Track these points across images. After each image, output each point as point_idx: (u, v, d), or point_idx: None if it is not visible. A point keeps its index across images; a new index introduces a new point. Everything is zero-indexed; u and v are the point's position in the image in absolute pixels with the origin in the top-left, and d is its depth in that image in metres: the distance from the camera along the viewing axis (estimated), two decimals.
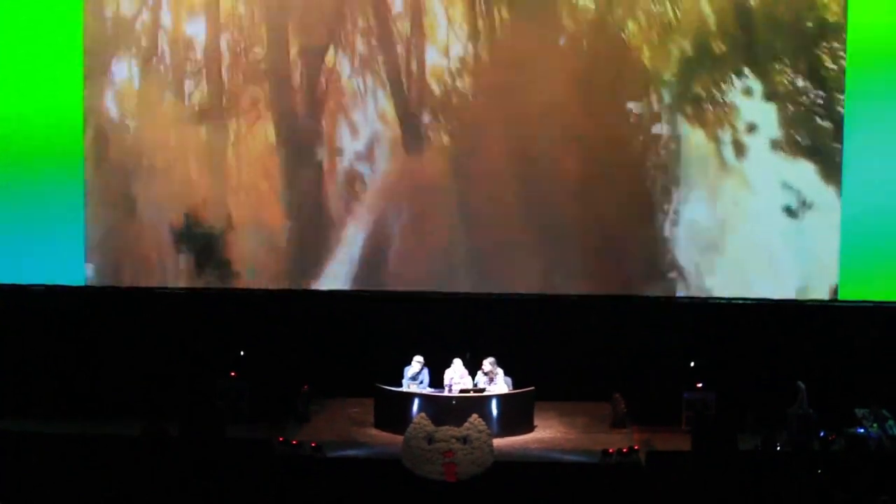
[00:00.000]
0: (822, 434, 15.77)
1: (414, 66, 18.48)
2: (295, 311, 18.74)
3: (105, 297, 18.89)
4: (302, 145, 18.68)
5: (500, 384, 17.26)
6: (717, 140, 18.23)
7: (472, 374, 17.38)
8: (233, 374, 17.93)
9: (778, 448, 15.41)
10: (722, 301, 18.31)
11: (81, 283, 18.85)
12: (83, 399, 18.08)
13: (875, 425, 16.10)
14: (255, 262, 18.75)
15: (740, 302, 18.28)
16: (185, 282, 18.81)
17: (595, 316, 18.45)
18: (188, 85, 18.70)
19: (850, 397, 16.81)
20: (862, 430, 16.03)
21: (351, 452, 16.10)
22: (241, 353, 18.18)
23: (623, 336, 18.35)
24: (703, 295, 18.33)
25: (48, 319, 18.78)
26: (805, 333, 18.09)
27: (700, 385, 17.50)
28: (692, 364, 17.76)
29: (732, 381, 17.58)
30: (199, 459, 14.82)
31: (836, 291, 18.13)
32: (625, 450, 15.60)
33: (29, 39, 18.71)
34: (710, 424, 15.96)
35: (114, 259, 18.87)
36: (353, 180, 18.68)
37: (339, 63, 18.56)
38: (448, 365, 17.36)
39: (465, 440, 15.28)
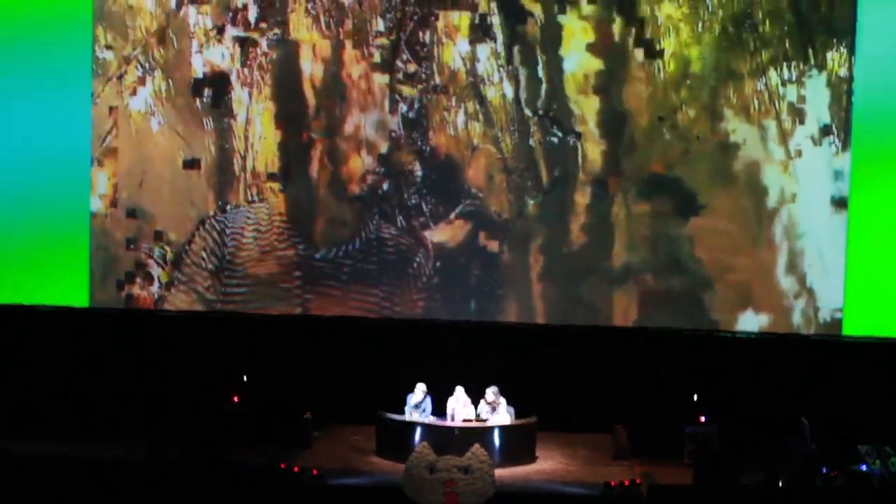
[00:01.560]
0: (824, 470, 15.71)
1: None
2: (299, 335, 18.73)
3: (108, 319, 18.89)
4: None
5: (502, 414, 17.23)
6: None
7: (475, 403, 17.35)
8: (235, 398, 17.92)
9: (780, 484, 15.36)
10: (726, 334, 18.29)
11: (85, 305, 18.86)
12: (85, 421, 18.03)
13: (878, 462, 16.03)
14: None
15: (744, 336, 18.26)
16: (189, 304, 18.81)
17: (598, 347, 18.43)
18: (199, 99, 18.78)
19: (853, 433, 16.77)
20: (865, 467, 15.97)
21: (352, 480, 16.06)
22: (244, 377, 18.18)
23: (626, 368, 18.32)
24: (708, 327, 18.34)
25: (51, 340, 18.79)
26: (808, 368, 18.05)
27: (703, 419, 17.47)
28: (695, 397, 17.75)
29: (735, 416, 17.54)
30: (200, 484, 14.78)
31: (840, 326, 18.11)
32: (626, 483, 15.56)
33: (35, 52, 18.73)
34: (712, 458, 15.89)
35: (118, 280, 18.90)
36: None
37: None
38: (451, 393, 17.35)
39: (466, 470, 15.24)
